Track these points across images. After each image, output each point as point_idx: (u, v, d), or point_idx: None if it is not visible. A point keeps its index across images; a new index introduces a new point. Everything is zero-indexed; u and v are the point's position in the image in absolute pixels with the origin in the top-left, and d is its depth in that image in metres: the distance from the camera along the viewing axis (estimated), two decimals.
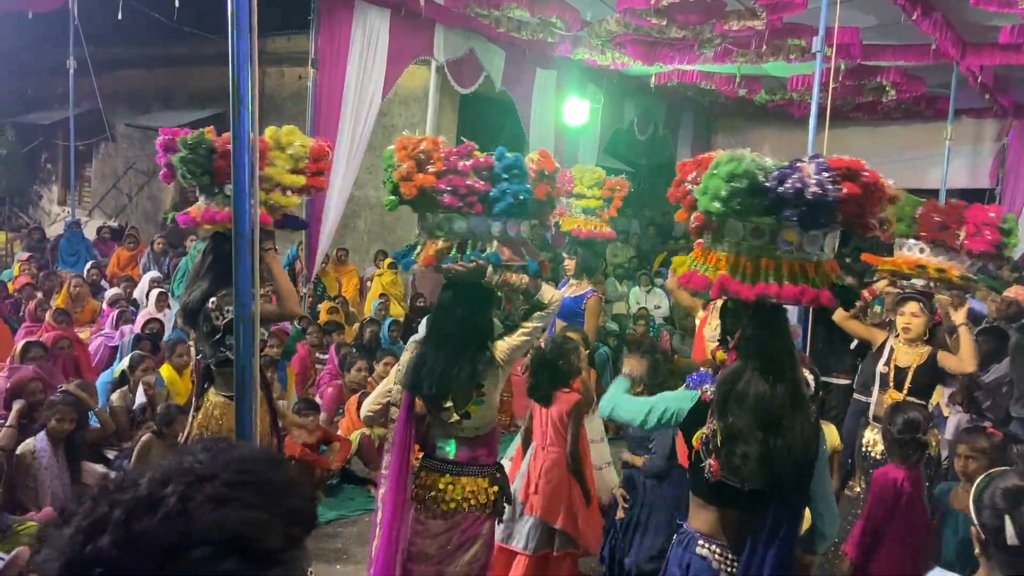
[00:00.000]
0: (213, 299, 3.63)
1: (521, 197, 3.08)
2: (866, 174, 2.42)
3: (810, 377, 4.11)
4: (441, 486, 3.25)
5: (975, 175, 12.44)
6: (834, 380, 6.02)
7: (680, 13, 7.32)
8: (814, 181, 2.33)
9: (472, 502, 3.24)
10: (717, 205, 2.42)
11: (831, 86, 7.13)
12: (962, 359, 4.54)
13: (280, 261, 4.18)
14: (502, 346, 3.23)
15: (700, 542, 2.68)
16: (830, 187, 2.34)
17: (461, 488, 3.24)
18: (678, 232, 14.11)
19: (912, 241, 4.75)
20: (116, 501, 0.80)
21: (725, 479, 2.57)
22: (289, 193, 3.88)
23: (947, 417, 5.85)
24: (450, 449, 3.28)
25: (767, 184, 2.37)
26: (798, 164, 2.40)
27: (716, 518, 2.68)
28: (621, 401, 3.01)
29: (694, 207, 2.58)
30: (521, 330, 3.25)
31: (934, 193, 9.15)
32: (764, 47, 8.26)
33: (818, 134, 6.11)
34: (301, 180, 3.84)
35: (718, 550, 2.65)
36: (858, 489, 4.50)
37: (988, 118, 11.99)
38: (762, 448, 2.46)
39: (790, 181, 2.34)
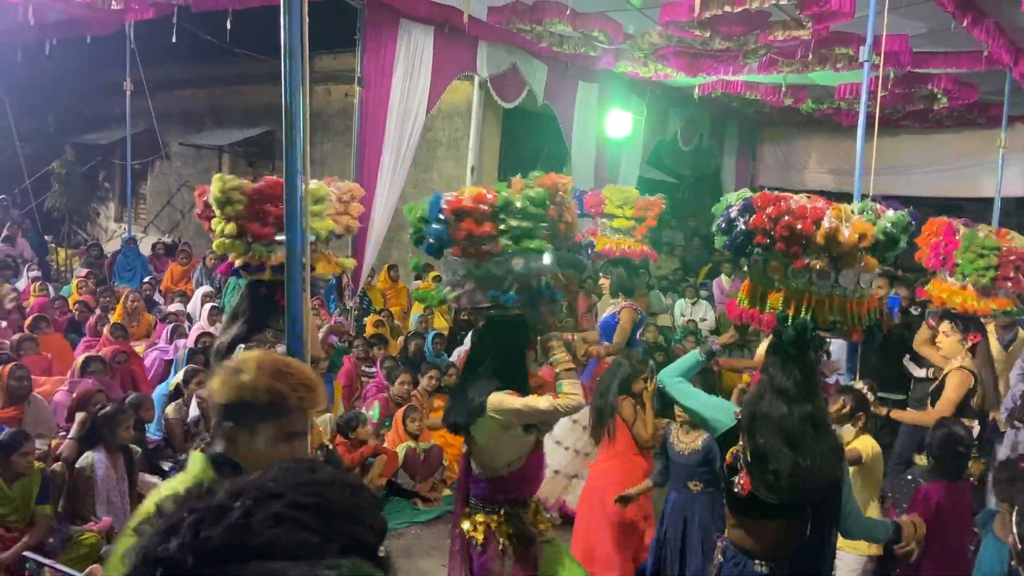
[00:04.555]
0: (242, 346, 3.71)
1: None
2: (771, 209, 2.63)
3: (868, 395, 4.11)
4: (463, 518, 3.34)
5: None
6: (887, 395, 5.92)
7: (724, 25, 7.28)
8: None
9: (479, 536, 3.24)
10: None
11: (880, 94, 7.03)
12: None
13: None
14: (496, 400, 3.10)
15: (756, 561, 2.76)
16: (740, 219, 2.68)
17: (471, 521, 3.29)
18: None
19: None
20: (194, 507, 0.86)
21: (756, 493, 2.69)
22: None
23: (1004, 432, 5.70)
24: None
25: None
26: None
27: (755, 531, 2.79)
28: (682, 381, 3.08)
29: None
30: (530, 400, 3.10)
31: (988, 202, 8.93)
32: (810, 56, 8.16)
33: (867, 143, 6.02)
34: (331, 224, 3.95)
35: (775, 564, 2.75)
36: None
37: None
38: (791, 467, 2.60)
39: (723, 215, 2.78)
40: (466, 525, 3.27)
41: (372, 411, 6.57)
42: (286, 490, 0.87)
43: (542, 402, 3.07)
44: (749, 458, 2.69)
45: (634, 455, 4.60)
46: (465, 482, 3.34)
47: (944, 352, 4.61)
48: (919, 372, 5.74)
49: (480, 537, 3.22)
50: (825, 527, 2.75)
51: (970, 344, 4.57)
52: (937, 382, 4.69)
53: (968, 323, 4.59)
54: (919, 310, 7.49)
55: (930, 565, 3.63)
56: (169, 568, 0.81)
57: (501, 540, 3.21)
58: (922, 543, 3.57)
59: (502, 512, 3.25)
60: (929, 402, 4.70)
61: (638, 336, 6.16)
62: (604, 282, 6.05)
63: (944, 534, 3.62)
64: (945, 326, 4.59)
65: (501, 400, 3.10)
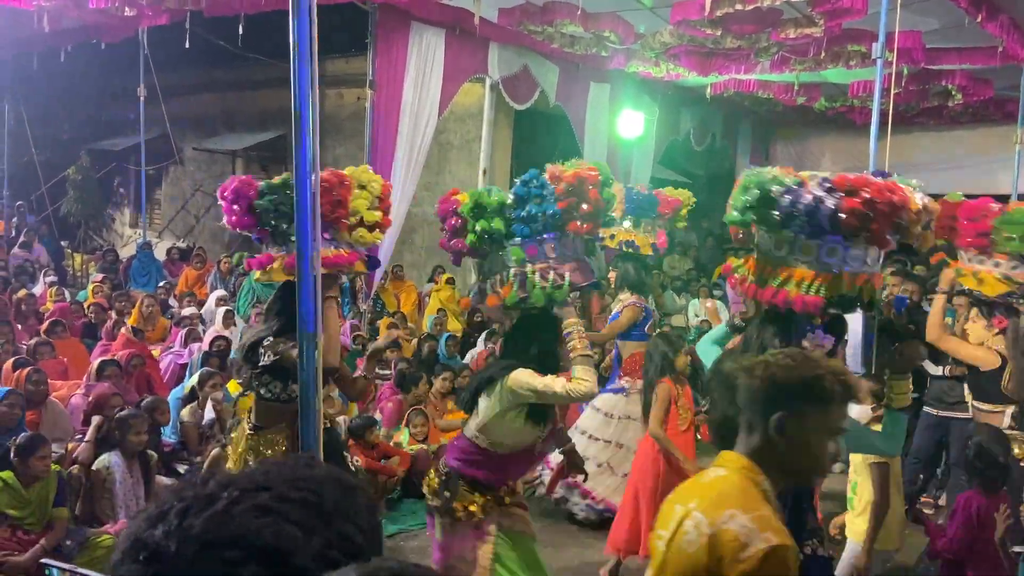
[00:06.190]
0: (269, 339, 3.73)
1: (549, 212, 3.24)
2: (867, 190, 2.58)
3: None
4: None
5: None
6: None
7: (736, 23, 7.25)
8: (811, 196, 2.62)
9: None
10: (735, 215, 2.81)
11: (893, 91, 6.97)
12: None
13: (337, 308, 4.19)
14: (519, 376, 3.12)
15: None
16: (827, 200, 2.60)
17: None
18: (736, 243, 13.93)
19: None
20: (184, 496, 0.88)
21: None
22: (374, 232, 3.97)
23: None
24: None
25: (777, 198, 2.69)
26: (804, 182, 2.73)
27: None
28: (710, 346, 3.25)
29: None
30: (549, 381, 3.10)
31: (1005, 199, 8.83)
32: (823, 54, 8.12)
33: (880, 140, 5.97)
34: (377, 216, 3.92)
35: None
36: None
37: None
38: (722, 418, 2.74)
39: (790, 195, 2.65)
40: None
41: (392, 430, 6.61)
42: (275, 484, 0.88)
43: (558, 385, 3.08)
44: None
45: (682, 432, 4.66)
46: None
47: (973, 339, 4.57)
48: (935, 369, 5.67)
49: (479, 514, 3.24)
50: (795, 503, 2.76)
51: (996, 330, 4.52)
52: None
53: (991, 307, 4.53)
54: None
55: (972, 572, 3.58)
56: (152, 553, 0.83)
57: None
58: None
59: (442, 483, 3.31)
60: (972, 397, 4.66)
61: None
62: (611, 275, 5.98)
63: (985, 542, 3.55)
64: (972, 313, 4.58)
65: (523, 377, 3.10)
